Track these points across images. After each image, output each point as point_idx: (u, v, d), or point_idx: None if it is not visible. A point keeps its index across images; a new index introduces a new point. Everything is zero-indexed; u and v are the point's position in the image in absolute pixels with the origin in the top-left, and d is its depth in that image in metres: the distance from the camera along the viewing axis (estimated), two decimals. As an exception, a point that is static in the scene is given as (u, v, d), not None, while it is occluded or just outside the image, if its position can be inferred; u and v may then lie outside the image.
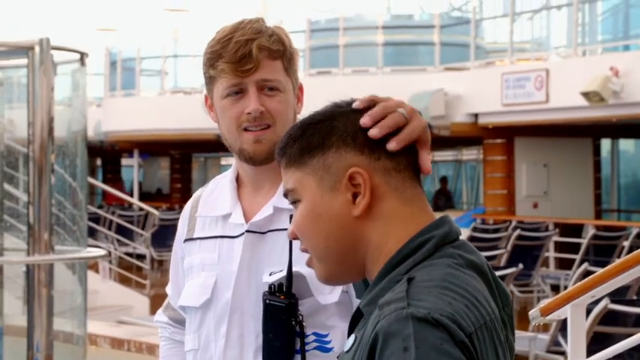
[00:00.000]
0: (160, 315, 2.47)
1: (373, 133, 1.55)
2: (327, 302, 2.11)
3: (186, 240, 2.32)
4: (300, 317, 2.08)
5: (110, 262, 15.34)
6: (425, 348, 1.38)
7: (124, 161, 31.15)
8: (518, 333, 8.36)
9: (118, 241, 16.94)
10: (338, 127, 1.56)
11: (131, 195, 23.14)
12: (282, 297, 2.07)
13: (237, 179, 2.29)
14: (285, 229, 2.11)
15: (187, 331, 2.29)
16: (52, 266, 5.42)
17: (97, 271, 11.98)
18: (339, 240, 1.56)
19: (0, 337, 6.05)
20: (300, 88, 2.28)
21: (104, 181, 29.12)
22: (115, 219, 17.27)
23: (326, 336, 2.12)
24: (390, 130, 1.56)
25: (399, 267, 1.53)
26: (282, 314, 2.07)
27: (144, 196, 26.25)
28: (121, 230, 17.13)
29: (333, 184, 1.55)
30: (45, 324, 5.34)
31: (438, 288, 1.46)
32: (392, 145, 1.55)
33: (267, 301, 2.09)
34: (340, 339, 2.11)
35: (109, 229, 17.58)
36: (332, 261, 1.59)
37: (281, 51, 2.20)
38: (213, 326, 2.21)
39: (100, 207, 21.97)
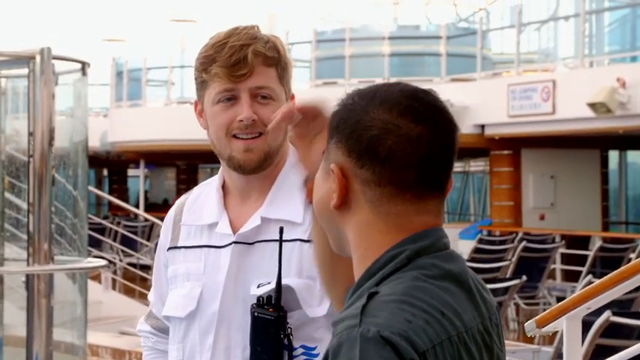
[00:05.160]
0: (143, 324, 2.43)
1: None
2: (315, 315, 2.09)
3: (170, 248, 2.29)
4: (289, 330, 2.05)
5: (115, 272, 15.33)
6: None
7: (131, 172, 31.16)
8: (522, 345, 8.32)
9: (123, 251, 16.93)
10: (347, 119, 1.57)
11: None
12: (270, 310, 2.05)
13: (224, 187, 2.26)
14: (273, 240, 2.10)
15: (171, 341, 2.26)
16: (52, 276, 5.39)
17: (100, 281, 11.97)
18: (324, 220, 1.63)
19: (0, 347, 6.03)
20: (292, 98, 2.24)
21: (110, 192, 29.14)
22: (120, 230, 17.26)
23: (314, 349, 2.10)
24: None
25: (369, 281, 1.52)
26: (270, 327, 2.04)
27: (150, 207, 26.26)
28: (126, 241, 17.11)
29: (327, 171, 1.59)
30: (44, 334, 5.31)
31: (397, 303, 1.45)
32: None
33: (256, 314, 2.06)
34: (328, 352, 2.08)
35: (115, 239, 17.56)
36: (327, 233, 1.65)
37: (276, 58, 2.17)
38: (199, 337, 2.18)
39: (106, 217, 21.96)
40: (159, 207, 28.55)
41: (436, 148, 1.54)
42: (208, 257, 2.19)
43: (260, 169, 2.16)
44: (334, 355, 1.41)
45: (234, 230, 2.18)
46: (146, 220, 17.95)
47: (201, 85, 2.19)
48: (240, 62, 2.12)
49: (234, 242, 2.16)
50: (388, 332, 1.39)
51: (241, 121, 2.13)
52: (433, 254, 1.53)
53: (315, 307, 2.09)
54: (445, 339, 1.44)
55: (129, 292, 14.12)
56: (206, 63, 2.15)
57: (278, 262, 2.05)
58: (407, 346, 1.39)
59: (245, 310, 2.10)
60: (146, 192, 31.29)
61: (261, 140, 2.14)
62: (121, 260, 16.72)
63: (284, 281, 2.06)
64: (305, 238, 2.12)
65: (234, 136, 2.15)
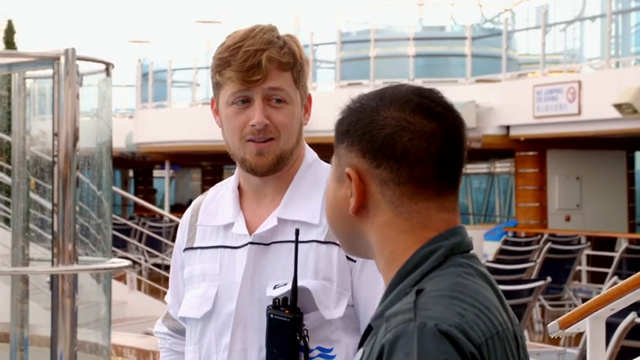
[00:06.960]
0: (160, 325, 2.43)
1: None
2: (332, 317, 2.08)
3: (186, 249, 2.28)
4: (305, 332, 2.05)
5: (140, 273, 15.36)
6: None
7: (156, 173, 31.25)
8: (547, 347, 8.27)
9: (148, 252, 16.97)
10: (358, 122, 1.55)
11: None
12: (286, 311, 2.04)
13: (239, 188, 2.25)
14: (290, 241, 2.09)
15: (188, 342, 2.25)
16: (76, 277, 5.40)
17: (126, 282, 12.01)
18: (341, 229, 1.60)
19: (25, 347, 6.05)
20: (309, 99, 2.23)
21: (136, 193, 29.22)
22: (145, 230, 17.31)
23: (330, 350, 2.09)
24: None
25: (407, 279, 1.51)
26: (286, 329, 2.04)
27: (176, 208, 26.32)
28: (151, 241, 17.15)
29: (340, 176, 1.57)
30: (69, 334, 5.32)
31: (447, 298, 1.45)
32: None
33: (272, 316, 2.06)
34: (344, 353, 2.08)
35: (140, 240, 17.60)
36: (340, 240, 1.63)
37: (291, 63, 2.15)
38: (215, 338, 2.18)
39: (131, 218, 22.02)
40: (184, 208, 28.58)
41: (449, 143, 1.53)
42: (224, 258, 2.19)
43: (273, 171, 2.15)
44: (390, 349, 1.40)
45: (250, 231, 2.17)
46: (171, 220, 18.00)
47: (216, 86, 2.19)
48: (255, 68, 2.11)
49: (250, 243, 2.15)
50: (446, 325, 1.39)
51: (253, 125, 2.12)
52: (464, 254, 1.53)
53: (332, 309, 2.08)
54: (494, 333, 1.45)
55: (154, 292, 14.13)
56: (221, 65, 2.14)
57: (294, 264, 2.04)
58: (465, 339, 1.39)
59: (261, 311, 2.09)
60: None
61: (274, 144, 2.13)
62: (146, 261, 16.75)
63: (300, 283, 2.05)
64: (322, 240, 2.11)
65: (248, 140, 2.14)
